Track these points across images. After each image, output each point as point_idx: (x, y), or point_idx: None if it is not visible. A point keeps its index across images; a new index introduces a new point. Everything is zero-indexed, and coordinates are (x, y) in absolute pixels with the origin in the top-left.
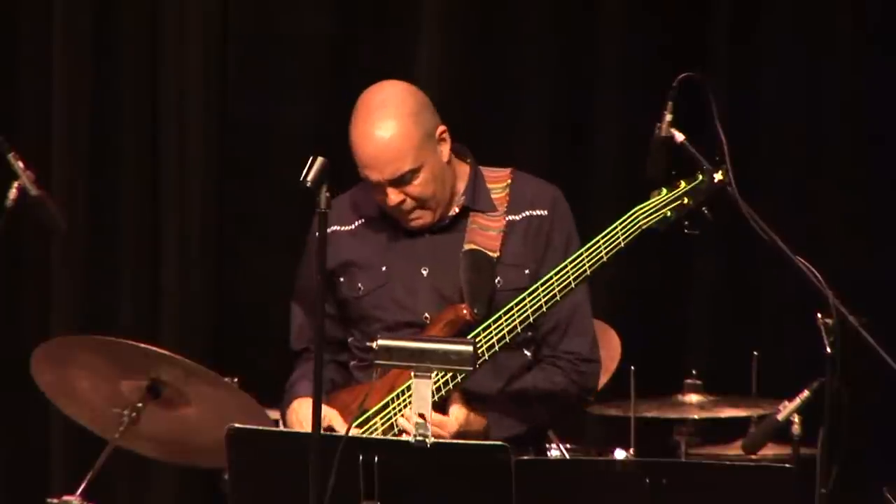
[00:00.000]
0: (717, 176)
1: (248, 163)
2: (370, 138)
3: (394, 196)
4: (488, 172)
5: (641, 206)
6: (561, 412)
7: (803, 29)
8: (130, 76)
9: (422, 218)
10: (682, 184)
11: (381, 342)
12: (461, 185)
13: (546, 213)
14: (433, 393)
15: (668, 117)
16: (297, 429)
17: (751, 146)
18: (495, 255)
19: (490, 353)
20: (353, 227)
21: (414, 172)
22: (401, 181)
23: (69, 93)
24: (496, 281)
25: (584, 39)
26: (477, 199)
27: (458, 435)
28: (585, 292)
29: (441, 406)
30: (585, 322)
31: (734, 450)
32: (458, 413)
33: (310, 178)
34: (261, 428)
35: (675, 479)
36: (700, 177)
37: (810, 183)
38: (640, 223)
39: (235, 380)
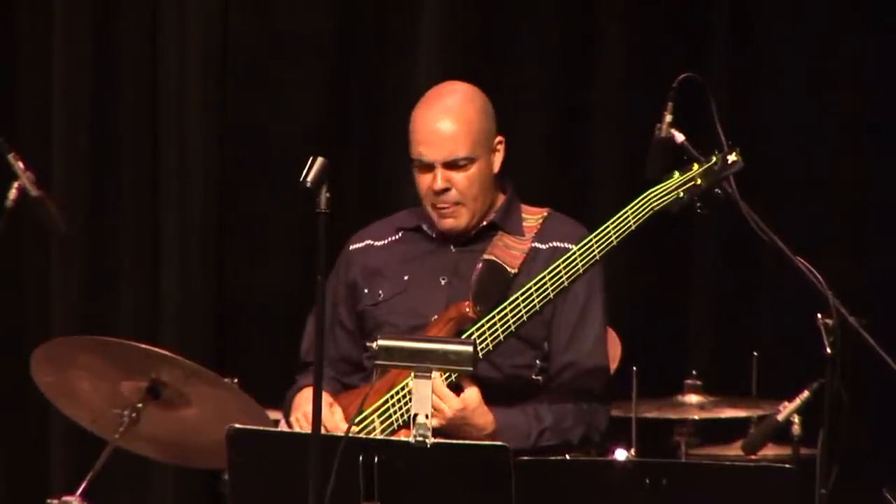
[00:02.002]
0: (731, 157)
1: (248, 163)
2: (433, 119)
3: (441, 181)
4: (525, 206)
5: (654, 188)
6: (569, 441)
7: (804, 29)
8: (130, 77)
9: (457, 218)
10: (696, 166)
11: (381, 342)
12: (496, 206)
13: (572, 247)
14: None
15: (668, 118)
16: (299, 413)
17: (750, 147)
18: (513, 271)
19: (494, 341)
20: (385, 241)
21: (467, 161)
22: (453, 165)
23: (69, 93)
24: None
25: (584, 39)
26: (507, 221)
27: (459, 417)
28: (603, 333)
29: (456, 391)
30: (602, 362)
31: (734, 450)
32: (469, 396)
33: (310, 178)
34: (261, 428)
35: (675, 480)
36: (714, 158)
37: (810, 183)
38: (653, 205)
39: (235, 380)
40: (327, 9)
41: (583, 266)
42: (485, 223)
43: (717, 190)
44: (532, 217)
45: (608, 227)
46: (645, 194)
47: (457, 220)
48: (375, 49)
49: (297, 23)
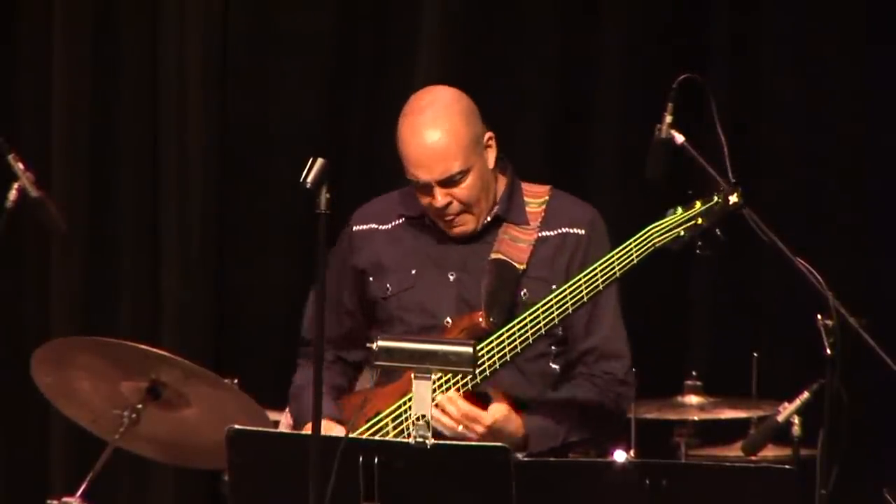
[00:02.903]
0: (733, 198)
1: (248, 163)
2: (420, 138)
3: (441, 198)
4: (527, 187)
5: (656, 224)
6: (597, 431)
7: (803, 29)
8: (130, 77)
9: (465, 224)
10: (698, 204)
11: (380, 343)
12: (499, 195)
13: (583, 232)
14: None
15: (668, 118)
16: None
17: (751, 146)
18: (521, 266)
19: (501, 361)
20: (390, 226)
21: (463, 174)
22: (450, 182)
23: (69, 93)
24: (522, 293)
25: (584, 39)
26: (511, 211)
27: (492, 431)
28: (619, 316)
29: (483, 403)
30: (621, 345)
31: (734, 451)
32: (496, 410)
33: (310, 179)
34: (260, 429)
35: (675, 481)
36: (716, 197)
37: (810, 183)
38: (655, 241)
39: (235, 381)
40: (327, 9)
41: (587, 294)
42: (489, 219)
43: (717, 230)
44: (535, 201)
45: (612, 258)
46: (647, 229)
47: (465, 227)
48: (375, 49)
49: (297, 23)
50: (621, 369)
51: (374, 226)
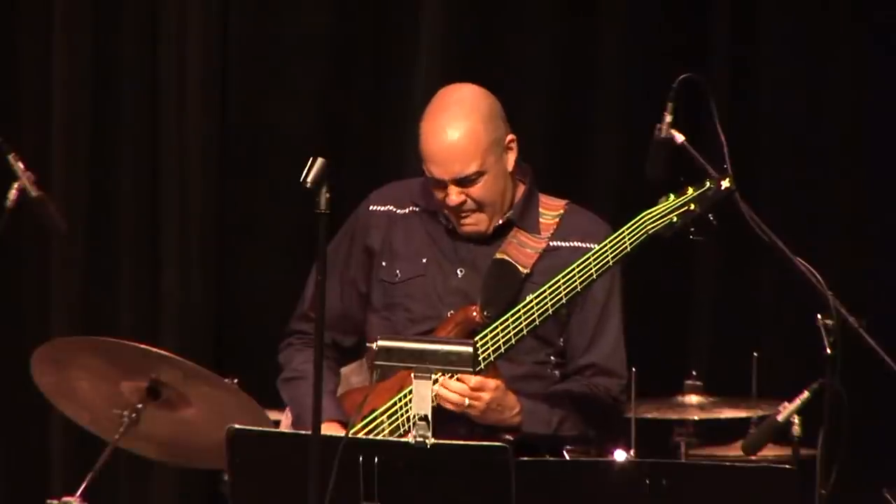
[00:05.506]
0: (725, 183)
1: (248, 163)
2: (439, 136)
3: (454, 196)
4: (544, 198)
5: (649, 211)
6: (587, 429)
7: (804, 29)
8: (130, 76)
9: (477, 224)
10: (690, 190)
11: (381, 343)
12: (515, 200)
13: (595, 247)
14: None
15: (668, 118)
16: None
17: (751, 146)
18: (525, 270)
19: (496, 354)
20: (406, 211)
21: (479, 175)
22: (465, 181)
23: (69, 92)
24: (527, 297)
25: (584, 39)
26: (524, 218)
27: (496, 398)
28: (622, 336)
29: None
30: (620, 365)
31: (734, 451)
32: (499, 382)
33: (310, 178)
34: (261, 429)
35: (675, 480)
36: (707, 184)
37: (810, 183)
38: (647, 228)
39: (235, 380)
40: (327, 9)
41: (581, 284)
42: (500, 222)
43: (710, 216)
44: (550, 213)
45: (605, 246)
46: (640, 216)
47: (477, 226)
48: (375, 49)
49: (297, 23)
50: (616, 388)
51: (391, 208)
